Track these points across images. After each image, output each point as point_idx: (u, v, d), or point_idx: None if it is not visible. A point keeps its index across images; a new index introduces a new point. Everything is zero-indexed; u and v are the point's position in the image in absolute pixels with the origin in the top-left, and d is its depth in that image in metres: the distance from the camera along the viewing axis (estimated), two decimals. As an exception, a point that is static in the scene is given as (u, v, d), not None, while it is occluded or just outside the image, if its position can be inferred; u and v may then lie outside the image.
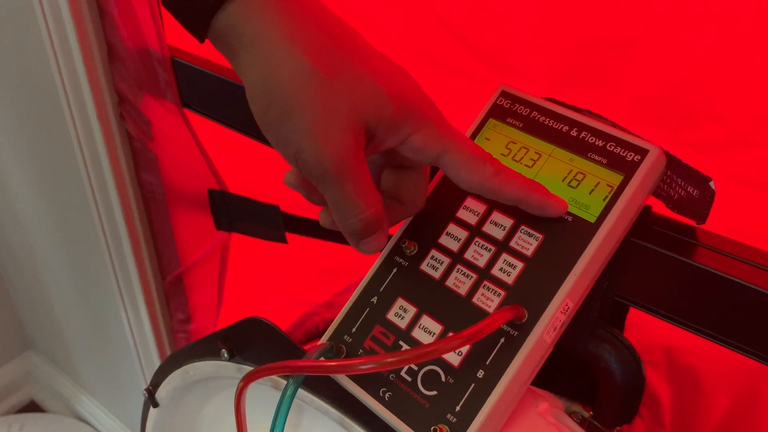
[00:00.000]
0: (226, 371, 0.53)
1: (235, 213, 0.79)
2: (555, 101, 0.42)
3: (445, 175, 0.43)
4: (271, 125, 0.34)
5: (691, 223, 0.41)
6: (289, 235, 0.77)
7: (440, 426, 0.37)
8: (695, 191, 0.40)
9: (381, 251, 0.42)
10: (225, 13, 0.33)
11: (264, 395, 0.48)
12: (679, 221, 0.42)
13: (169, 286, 0.91)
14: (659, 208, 0.41)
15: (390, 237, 0.44)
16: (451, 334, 0.38)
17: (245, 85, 0.35)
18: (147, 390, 0.62)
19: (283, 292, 0.88)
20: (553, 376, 0.43)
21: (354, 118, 0.34)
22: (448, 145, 0.36)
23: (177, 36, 0.68)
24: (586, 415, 0.48)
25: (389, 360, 0.35)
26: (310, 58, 0.33)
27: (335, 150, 0.34)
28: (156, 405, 0.63)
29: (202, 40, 0.36)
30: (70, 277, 1.17)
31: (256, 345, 0.51)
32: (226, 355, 0.52)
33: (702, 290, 0.40)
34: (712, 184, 0.39)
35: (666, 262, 0.40)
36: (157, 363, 1.02)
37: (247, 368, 0.51)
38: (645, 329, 0.55)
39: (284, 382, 0.48)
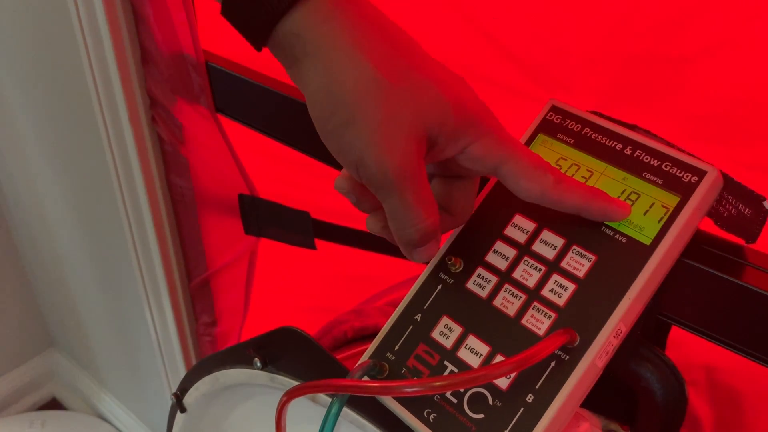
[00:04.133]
0: (258, 379, 0.53)
1: (264, 218, 0.79)
2: (600, 115, 0.42)
3: (491, 190, 0.43)
4: (333, 133, 0.34)
5: (740, 242, 0.40)
6: (318, 242, 0.77)
7: None
8: (747, 210, 0.39)
9: (431, 260, 0.41)
10: (289, 20, 0.33)
11: (293, 402, 0.48)
12: (728, 240, 0.41)
13: (196, 289, 0.91)
14: (706, 225, 0.40)
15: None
16: (499, 356, 0.38)
17: (306, 94, 0.35)
18: (174, 395, 0.62)
19: (311, 299, 0.88)
20: (592, 393, 0.43)
21: (417, 127, 0.34)
22: (507, 155, 0.36)
23: (212, 41, 0.68)
24: (624, 434, 0.47)
25: (437, 384, 0.34)
26: (374, 66, 0.33)
27: (398, 159, 0.33)
28: (183, 410, 0.63)
29: (260, 49, 0.35)
30: (95, 275, 1.17)
31: (289, 355, 0.50)
32: (258, 364, 0.51)
33: (750, 311, 0.39)
34: (766, 203, 0.38)
35: (713, 281, 0.39)
36: (180, 364, 1.02)
37: (280, 378, 0.50)
38: (685, 348, 0.54)
39: (320, 393, 0.47)
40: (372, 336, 0.42)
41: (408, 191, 0.34)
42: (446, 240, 0.43)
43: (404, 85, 0.34)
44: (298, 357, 0.49)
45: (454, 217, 0.40)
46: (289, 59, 0.35)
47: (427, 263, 0.42)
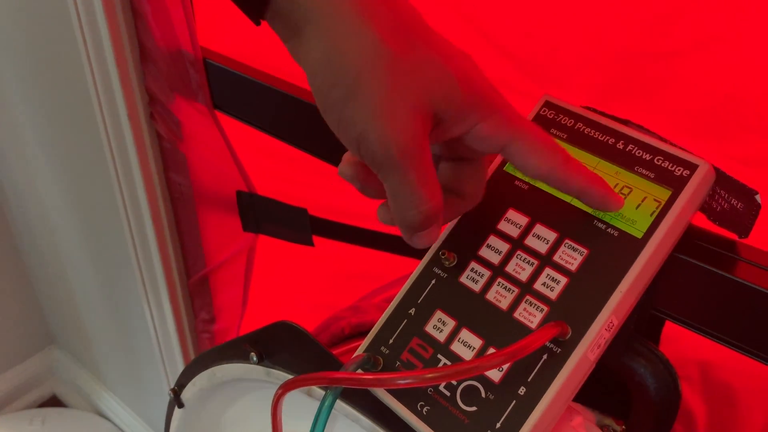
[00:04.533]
0: (255, 374, 0.53)
1: (262, 215, 0.79)
2: (593, 110, 0.42)
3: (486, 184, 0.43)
4: (334, 106, 0.32)
5: (733, 236, 0.40)
6: (315, 239, 0.77)
7: None
8: (739, 204, 0.39)
9: (432, 245, 0.41)
10: None
11: (289, 397, 0.48)
12: (720, 234, 0.41)
13: (194, 286, 0.91)
14: (698, 220, 0.40)
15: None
16: (491, 349, 0.38)
17: (306, 64, 0.33)
18: (172, 390, 0.62)
19: (309, 295, 0.88)
20: (586, 388, 0.43)
21: (422, 102, 0.32)
22: (517, 133, 0.35)
23: (210, 38, 0.68)
24: (619, 429, 0.47)
25: (429, 376, 0.35)
26: (380, 36, 0.31)
27: (402, 134, 0.31)
28: (181, 405, 0.63)
29: (258, 21, 0.34)
30: (94, 273, 1.18)
31: (285, 349, 0.50)
32: (254, 359, 0.52)
33: (742, 306, 0.39)
34: (758, 197, 0.38)
35: (706, 276, 0.40)
36: (179, 361, 1.02)
37: (276, 372, 0.51)
38: (680, 344, 0.54)
39: (315, 388, 0.47)
40: (369, 332, 0.43)
41: (411, 170, 0.32)
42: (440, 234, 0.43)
43: (411, 58, 0.32)
44: (294, 351, 0.50)
45: (464, 200, 0.39)
46: (288, 30, 0.33)
47: (426, 250, 0.42)
